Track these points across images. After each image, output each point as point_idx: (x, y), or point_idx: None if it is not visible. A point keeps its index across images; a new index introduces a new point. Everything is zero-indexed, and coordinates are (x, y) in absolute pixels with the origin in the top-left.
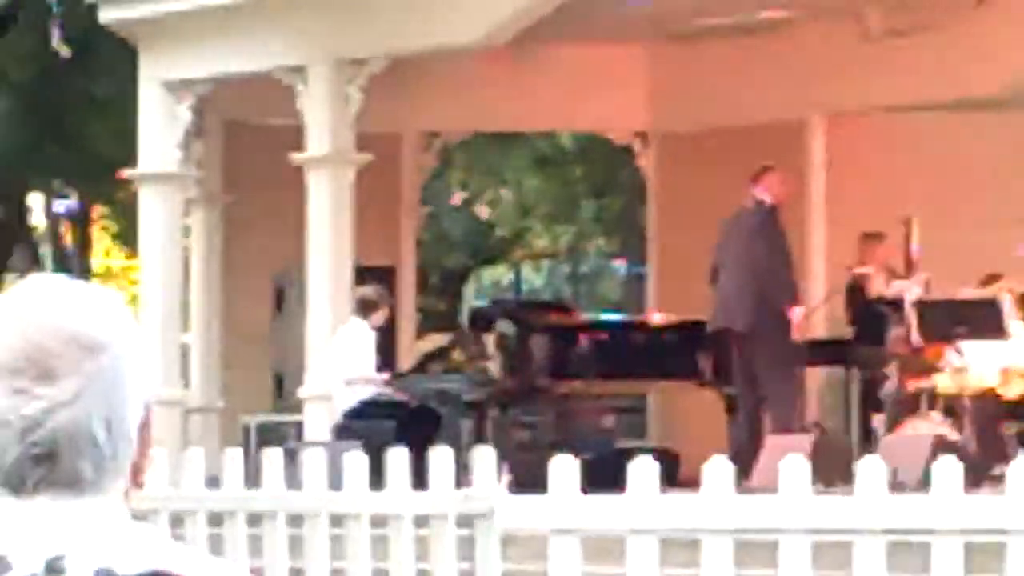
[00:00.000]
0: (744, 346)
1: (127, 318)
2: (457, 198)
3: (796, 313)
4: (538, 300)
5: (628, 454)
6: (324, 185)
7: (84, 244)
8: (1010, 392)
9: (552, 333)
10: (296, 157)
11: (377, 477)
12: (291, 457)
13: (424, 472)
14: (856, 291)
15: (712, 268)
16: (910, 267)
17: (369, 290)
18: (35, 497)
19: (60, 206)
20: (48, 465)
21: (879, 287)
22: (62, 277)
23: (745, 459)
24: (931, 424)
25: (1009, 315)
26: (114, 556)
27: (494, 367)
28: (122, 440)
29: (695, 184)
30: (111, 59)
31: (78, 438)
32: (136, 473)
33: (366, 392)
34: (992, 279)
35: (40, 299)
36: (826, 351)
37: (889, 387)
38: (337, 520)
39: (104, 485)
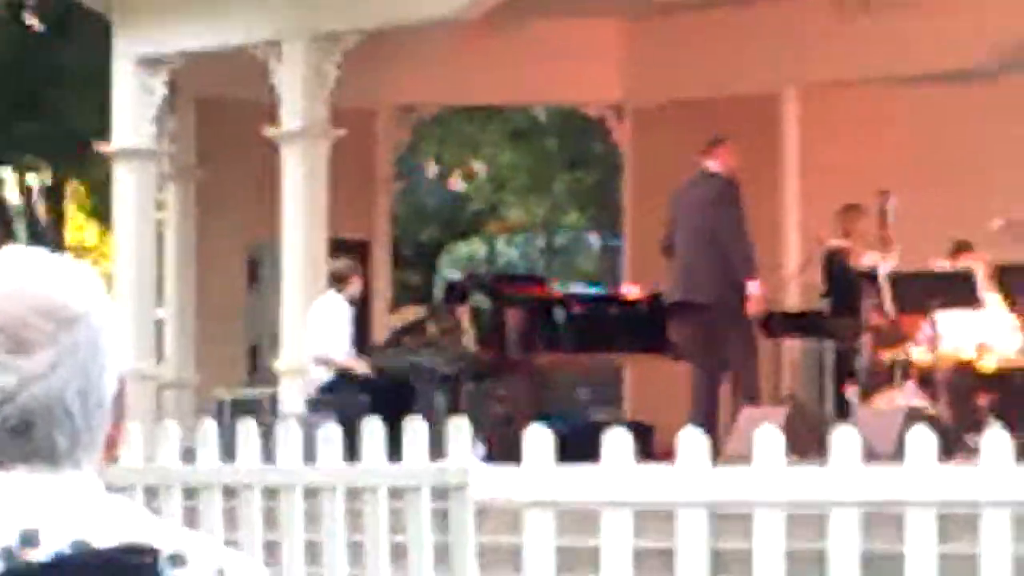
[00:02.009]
0: (706, 318)
1: (100, 290)
2: (431, 172)
3: (753, 287)
4: (512, 273)
5: (602, 426)
6: (298, 159)
7: (58, 219)
8: (984, 363)
9: (526, 306)
10: (270, 132)
11: (351, 450)
12: (266, 431)
13: (398, 445)
14: (832, 263)
15: (666, 240)
16: (886, 240)
17: (339, 263)
18: (9, 470)
19: (33, 181)
20: (23, 438)
21: (857, 259)
22: (35, 249)
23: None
24: (905, 395)
25: (982, 286)
26: (89, 528)
27: (468, 340)
28: (97, 412)
29: (669, 157)
30: (85, 33)
31: (53, 410)
32: (111, 445)
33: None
34: (962, 248)
35: (13, 271)
36: (801, 322)
37: (863, 358)
38: (312, 493)
39: (79, 458)
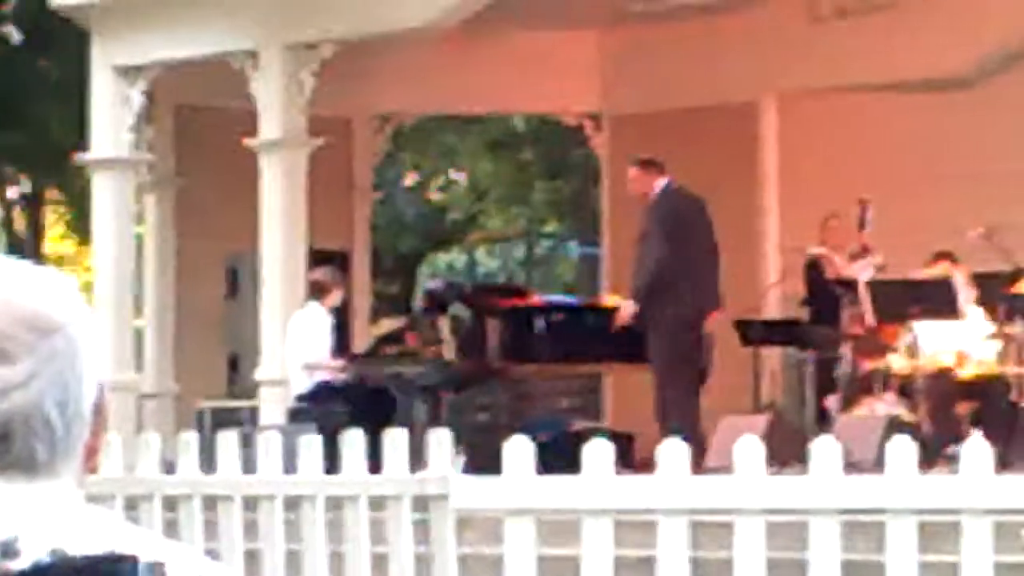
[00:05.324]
0: (705, 330)
1: (79, 300)
2: (409, 181)
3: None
4: (492, 283)
5: (583, 436)
6: (277, 169)
7: (36, 230)
8: (964, 372)
9: (506, 316)
10: (249, 142)
11: (332, 460)
12: (246, 441)
13: (379, 455)
14: (813, 271)
15: (672, 254)
16: (864, 248)
17: (320, 273)
18: None
19: (13, 192)
20: (2, 447)
21: (835, 267)
22: (14, 260)
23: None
24: (885, 404)
25: (962, 295)
26: (68, 538)
27: (448, 350)
28: (76, 422)
29: None
30: (62, 43)
31: (32, 420)
32: (90, 455)
33: (321, 376)
34: (942, 257)
35: None
36: (780, 331)
37: (843, 367)
38: (292, 503)
39: (58, 467)
